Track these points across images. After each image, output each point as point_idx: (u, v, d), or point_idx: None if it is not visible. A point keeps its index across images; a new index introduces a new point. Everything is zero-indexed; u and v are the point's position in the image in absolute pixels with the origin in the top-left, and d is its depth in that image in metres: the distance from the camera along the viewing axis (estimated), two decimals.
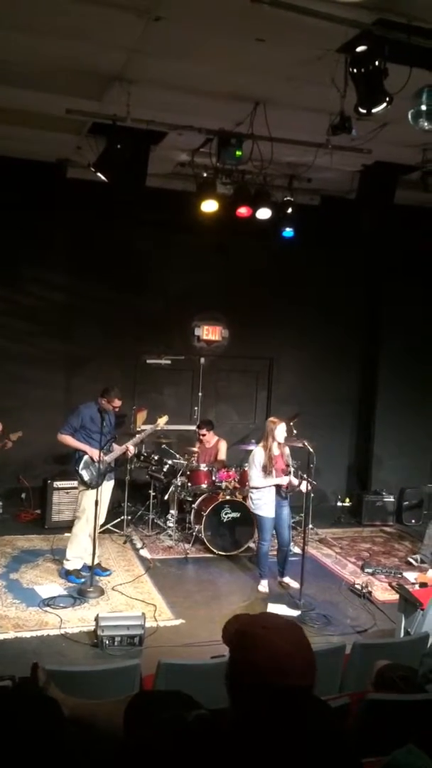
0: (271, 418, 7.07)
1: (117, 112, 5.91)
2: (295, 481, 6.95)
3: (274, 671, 1.61)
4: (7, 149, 7.71)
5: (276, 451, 6.87)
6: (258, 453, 6.94)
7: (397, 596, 5.97)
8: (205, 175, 7.35)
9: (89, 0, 4.20)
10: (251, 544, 7.98)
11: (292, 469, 6.93)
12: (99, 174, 6.35)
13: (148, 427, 7.63)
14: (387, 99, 4.41)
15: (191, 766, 1.73)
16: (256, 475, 6.91)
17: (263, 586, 6.99)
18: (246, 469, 8.35)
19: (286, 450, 6.94)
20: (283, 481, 6.85)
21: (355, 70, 4.45)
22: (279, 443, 6.88)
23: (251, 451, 8.72)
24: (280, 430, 6.86)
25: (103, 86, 5.66)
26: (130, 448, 7.28)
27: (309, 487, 6.98)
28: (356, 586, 7.09)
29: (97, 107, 6.00)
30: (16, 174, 8.06)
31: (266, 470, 6.82)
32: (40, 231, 8.57)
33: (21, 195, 8.23)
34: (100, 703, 2.46)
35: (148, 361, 9.26)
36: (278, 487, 6.87)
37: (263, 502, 6.91)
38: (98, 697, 2.91)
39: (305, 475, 6.99)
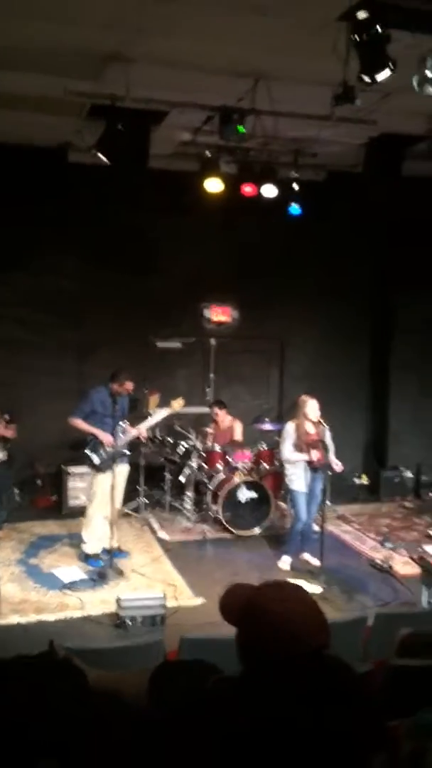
0: (303, 396, 7.04)
1: (116, 92, 5.86)
2: (335, 465, 6.86)
3: (287, 640, 1.60)
4: (7, 136, 7.66)
5: (311, 429, 6.86)
6: (289, 427, 6.96)
7: (418, 570, 5.98)
8: (208, 153, 7.29)
9: None
10: (270, 523, 8.00)
11: (330, 446, 6.86)
12: (100, 155, 6.31)
13: (163, 410, 7.58)
14: (390, 66, 4.33)
15: (213, 729, 1.74)
16: (286, 449, 6.95)
17: (284, 562, 7.01)
18: (261, 449, 8.39)
19: (325, 430, 6.80)
20: (313, 455, 6.81)
21: (356, 38, 4.36)
22: (312, 421, 6.85)
23: (266, 431, 8.79)
24: (311, 407, 6.83)
25: (101, 66, 5.60)
26: (143, 431, 7.27)
27: (341, 468, 6.94)
28: (377, 561, 7.09)
29: (96, 87, 5.94)
30: (18, 160, 8.01)
31: (297, 446, 6.83)
32: (43, 217, 8.53)
33: (23, 181, 8.18)
34: (124, 674, 2.48)
35: (158, 345, 9.24)
36: (310, 462, 6.85)
37: (296, 477, 6.94)
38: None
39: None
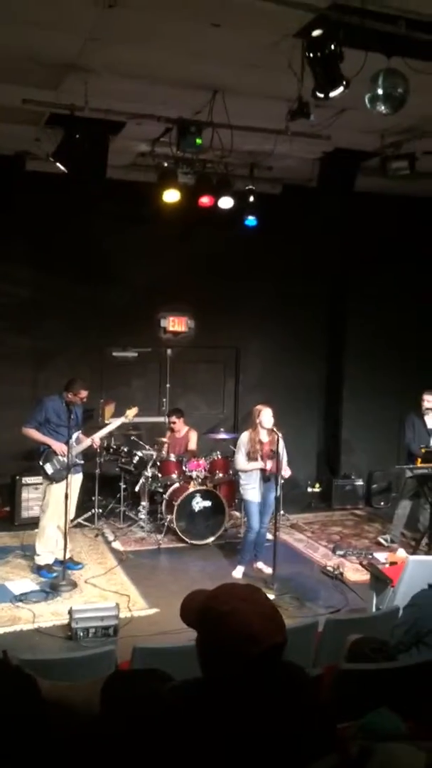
0: (258, 405, 7.09)
1: (74, 102, 5.87)
2: (284, 472, 6.91)
3: (246, 640, 1.63)
4: None
5: (265, 437, 6.91)
6: (244, 437, 7.01)
7: (368, 576, 6.07)
8: (165, 165, 7.34)
9: None
10: (223, 532, 8.04)
11: (283, 457, 6.89)
12: (58, 164, 6.30)
13: (117, 420, 7.60)
14: (344, 83, 4.44)
15: (168, 736, 1.75)
16: (240, 459, 6.98)
17: (238, 572, 7.05)
18: (216, 458, 8.42)
19: (279, 438, 6.83)
20: (266, 465, 6.85)
21: (311, 55, 4.47)
22: (268, 430, 6.90)
23: (221, 440, 8.84)
24: (266, 416, 6.88)
25: (59, 75, 5.60)
26: (96, 440, 7.24)
27: (288, 473, 7.01)
28: (328, 568, 7.19)
29: (54, 97, 5.94)
30: None
31: (251, 455, 6.88)
32: (2, 226, 8.45)
33: None
34: (75, 684, 2.47)
35: (114, 354, 9.21)
36: (263, 471, 6.90)
37: (250, 486, 6.97)
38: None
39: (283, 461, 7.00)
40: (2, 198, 8.24)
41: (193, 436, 8.78)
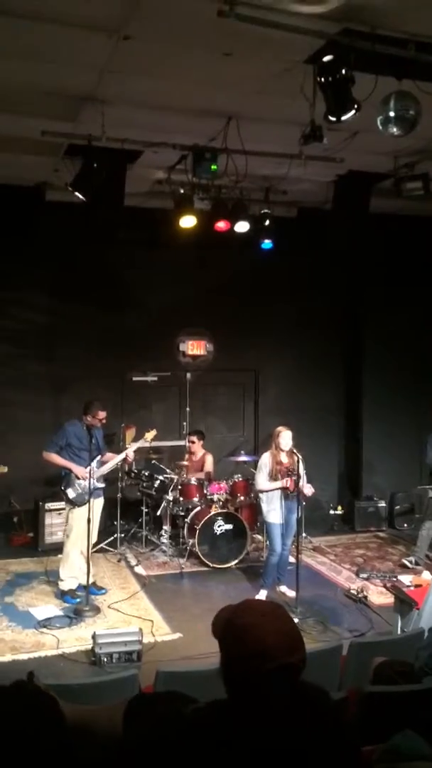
0: (278, 427, 7.08)
1: (92, 132, 5.99)
2: (305, 490, 6.89)
3: (262, 654, 1.63)
4: None
5: (285, 458, 6.90)
6: (264, 458, 7.02)
7: (392, 599, 6.00)
8: (182, 191, 7.44)
9: (58, 22, 4.28)
10: (245, 555, 8.00)
11: (303, 476, 6.86)
12: (77, 193, 6.41)
13: (137, 443, 7.64)
14: (355, 106, 4.50)
15: (191, 756, 1.75)
16: (261, 479, 6.98)
17: (261, 595, 6.98)
18: (237, 480, 8.40)
19: (299, 460, 6.77)
20: (285, 482, 6.83)
21: (322, 80, 4.54)
22: (288, 452, 6.89)
23: (242, 462, 8.83)
24: (285, 438, 6.89)
25: (77, 107, 5.74)
26: (130, 453, 7.34)
27: (312, 491, 6.97)
28: (352, 591, 7.10)
29: (72, 128, 6.08)
30: None
31: (272, 476, 6.87)
32: (21, 254, 8.60)
33: (1, 220, 8.28)
34: (97, 707, 2.47)
35: (134, 379, 9.26)
36: (284, 491, 6.88)
37: (271, 508, 6.95)
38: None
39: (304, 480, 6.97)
40: (23, 227, 8.43)
41: (209, 459, 8.79)
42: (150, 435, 7.70)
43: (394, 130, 4.74)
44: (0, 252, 8.48)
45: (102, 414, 7.02)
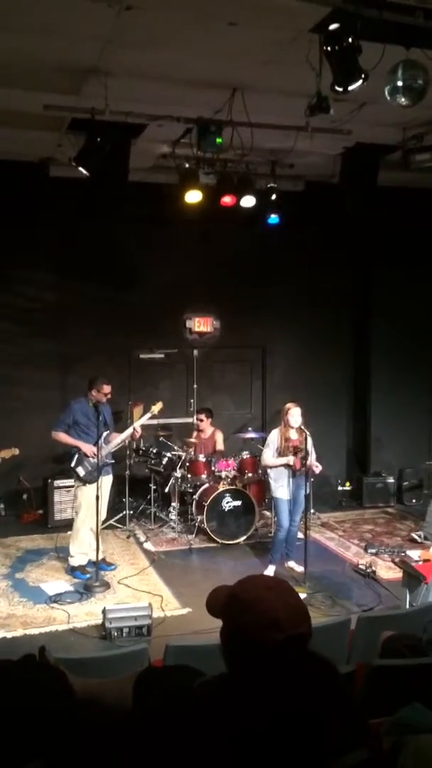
0: (287, 404, 7.07)
1: (95, 106, 5.91)
2: (314, 467, 6.88)
3: (267, 626, 1.63)
4: None
5: (294, 435, 6.90)
6: (273, 434, 7.04)
7: (400, 574, 6.02)
8: (187, 165, 7.35)
9: None
10: (253, 531, 8.03)
11: (312, 454, 6.86)
12: (81, 168, 6.34)
13: (145, 416, 7.65)
14: (362, 76, 4.41)
15: (199, 730, 1.75)
16: (268, 455, 7.01)
17: (269, 571, 7.02)
18: (245, 457, 8.41)
19: (307, 436, 6.81)
20: (290, 460, 6.84)
21: (328, 49, 4.45)
22: (297, 428, 6.88)
23: (249, 439, 8.83)
24: (294, 414, 6.87)
25: (79, 80, 5.65)
26: (137, 428, 7.35)
27: (320, 468, 6.97)
28: (360, 566, 7.13)
29: (75, 101, 5.99)
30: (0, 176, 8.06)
31: (280, 452, 6.88)
32: (26, 231, 8.55)
33: (5, 196, 8.22)
34: (107, 681, 2.49)
35: (141, 356, 9.25)
36: (291, 468, 6.88)
37: (279, 484, 6.97)
38: None
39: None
40: (27, 204, 8.37)
41: (220, 437, 8.79)
42: (156, 407, 7.70)
43: (402, 100, 4.64)
44: (4, 229, 8.43)
45: (107, 388, 7.02)
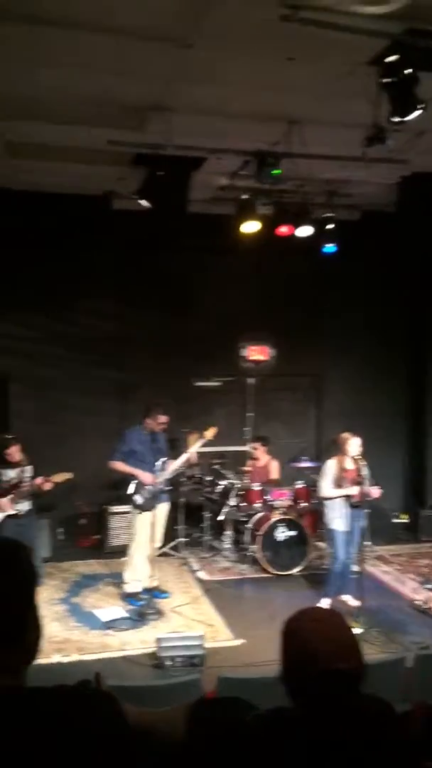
0: (344, 433, 7.00)
1: (157, 141, 6.07)
2: (373, 491, 6.79)
3: (306, 660, 1.63)
4: (55, 186, 7.99)
5: (350, 465, 6.82)
6: (330, 464, 6.91)
7: None
8: (244, 197, 7.45)
9: (124, 34, 4.36)
10: (308, 562, 7.92)
11: (366, 481, 6.78)
12: (142, 201, 6.51)
13: (199, 442, 7.63)
14: (420, 106, 4.43)
15: (251, 764, 1.74)
16: (326, 486, 6.88)
17: (323, 604, 6.88)
18: (299, 486, 8.33)
19: (364, 467, 6.75)
20: (353, 491, 6.75)
21: (386, 81, 4.48)
22: (353, 458, 6.82)
23: (304, 468, 8.75)
24: (354, 444, 6.80)
25: (142, 116, 5.84)
26: (193, 455, 7.36)
27: (379, 493, 6.85)
28: (417, 602, 6.94)
29: (138, 137, 6.17)
30: (65, 209, 8.33)
31: (337, 482, 6.79)
32: (89, 262, 8.79)
33: (70, 229, 8.49)
34: (160, 711, 2.48)
35: (196, 384, 9.33)
36: (349, 499, 6.80)
37: (335, 515, 6.85)
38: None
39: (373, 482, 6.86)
40: (91, 236, 8.61)
41: (275, 466, 8.74)
42: (210, 432, 7.60)
43: None
44: (68, 260, 8.70)
45: (163, 418, 7.08)
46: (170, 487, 7.31)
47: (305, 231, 7.56)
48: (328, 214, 7.98)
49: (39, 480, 6.79)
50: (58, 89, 5.31)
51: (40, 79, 5.11)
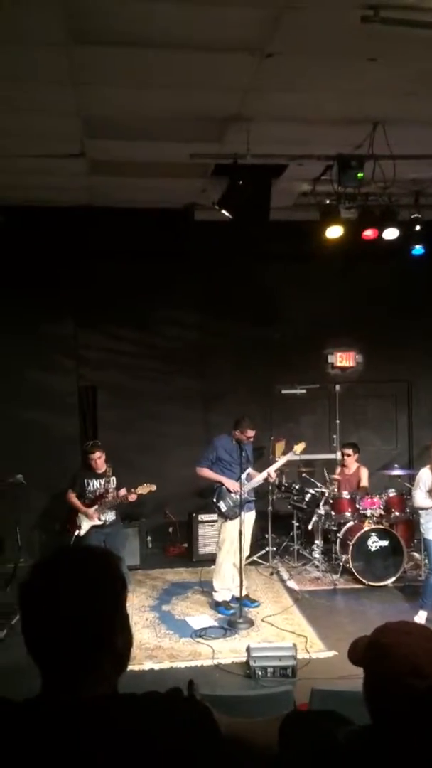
0: None
1: (237, 151, 6.10)
2: None
3: (407, 673, 1.56)
4: (138, 201, 8.17)
5: None
6: (423, 473, 6.71)
7: None
8: (327, 202, 7.36)
9: (202, 48, 4.40)
10: (402, 573, 7.70)
11: None
12: (224, 211, 6.55)
13: (286, 456, 7.62)
14: None
15: None
16: (419, 496, 6.69)
17: (420, 617, 6.66)
18: (391, 495, 8.12)
19: None
20: None
21: None
22: None
23: (396, 476, 8.53)
24: None
25: (222, 128, 5.87)
26: (272, 473, 7.31)
27: None
28: None
29: (218, 148, 6.23)
30: (148, 223, 8.51)
31: (431, 493, 6.59)
32: (172, 273, 8.94)
33: (153, 242, 8.66)
34: (254, 721, 2.46)
35: (282, 392, 9.28)
36: None
37: (431, 525, 6.66)
38: None
39: None
40: (173, 248, 8.74)
41: (365, 473, 8.56)
42: (299, 447, 7.64)
43: None
44: (152, 273, 8.87)
45: (251, 432, 7.09)
46: (254, 498, 7.30)
47: (391, 234, 7.37)
48: (415, 216, 7.77)
49: (123, 491, 6.98)
50: (137, 107, 5.41)
51: (127, 99, 5.23)
